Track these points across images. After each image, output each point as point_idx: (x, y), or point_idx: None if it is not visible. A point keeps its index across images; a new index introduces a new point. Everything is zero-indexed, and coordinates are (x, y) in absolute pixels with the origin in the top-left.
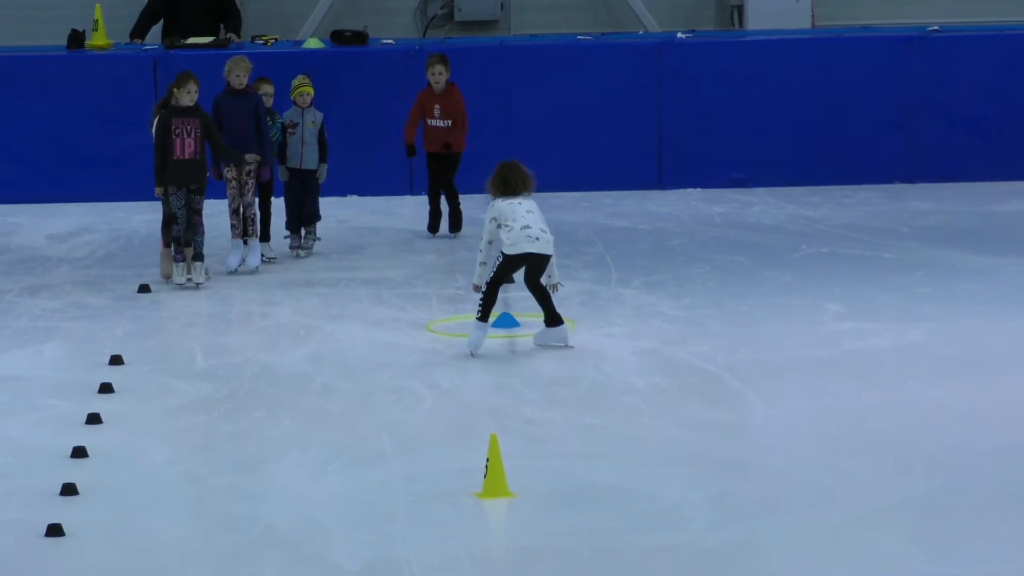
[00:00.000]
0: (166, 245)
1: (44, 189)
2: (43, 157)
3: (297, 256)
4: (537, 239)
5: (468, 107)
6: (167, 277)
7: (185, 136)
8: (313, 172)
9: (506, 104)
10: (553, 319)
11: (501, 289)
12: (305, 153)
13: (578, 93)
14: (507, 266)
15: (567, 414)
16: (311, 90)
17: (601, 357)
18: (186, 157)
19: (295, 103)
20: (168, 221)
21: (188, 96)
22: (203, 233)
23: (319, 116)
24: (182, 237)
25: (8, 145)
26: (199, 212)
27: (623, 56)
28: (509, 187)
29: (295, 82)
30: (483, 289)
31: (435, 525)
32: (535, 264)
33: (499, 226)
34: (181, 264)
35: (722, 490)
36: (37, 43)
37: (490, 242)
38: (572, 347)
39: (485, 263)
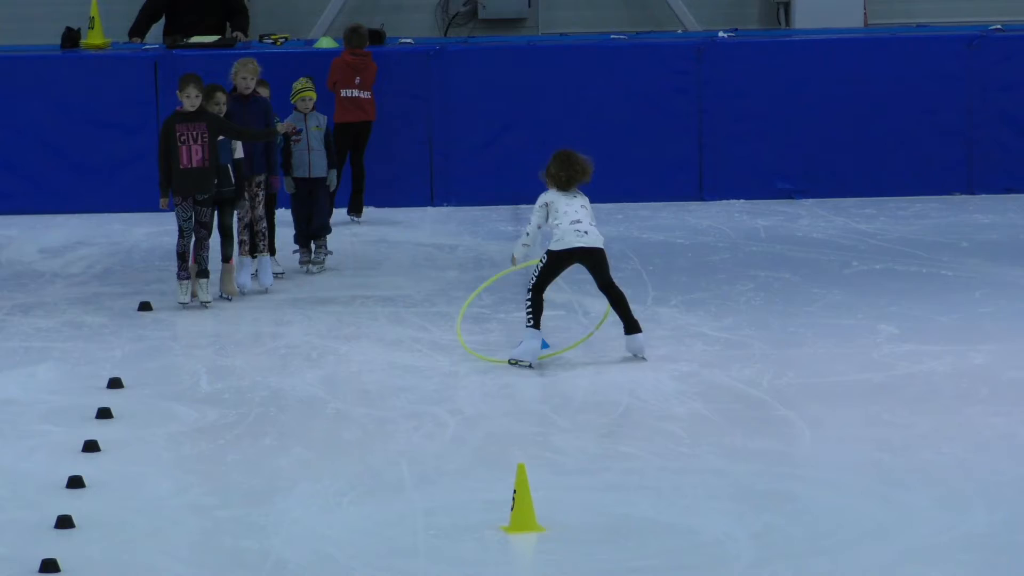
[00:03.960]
0: (195, 260)
1: (36, 199)
2: (35, 165)
3: (308, 272)
4: (586, 232)
5: (493, 110)
6: (229, 294)
7: (191, 143)
8: (322, 180)
9: (533, 109)
10: (631, 326)
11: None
12: (313, 160)
13: (611, 97)
14: (552, 264)
15: (600, 443)
16: (314, 94)
17: (637, 381)
18: (194, 165)
19: (296, 108)
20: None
21: (188, 101)
22: (208, 248)
23: (323, 120)
24: (189, 252)
25: None
26: (207, 225)
27: (660, 57)
28: (563, 180)
29: (297, 85)
30: (532, 280)
31: (458, 561)
32: (590, 262)
33: (551, 217)
34: (185, 282)
35: (767, 525)
36: (28, 42)
37: (539, 227)
38: (646, 359)
39: (528, 245)
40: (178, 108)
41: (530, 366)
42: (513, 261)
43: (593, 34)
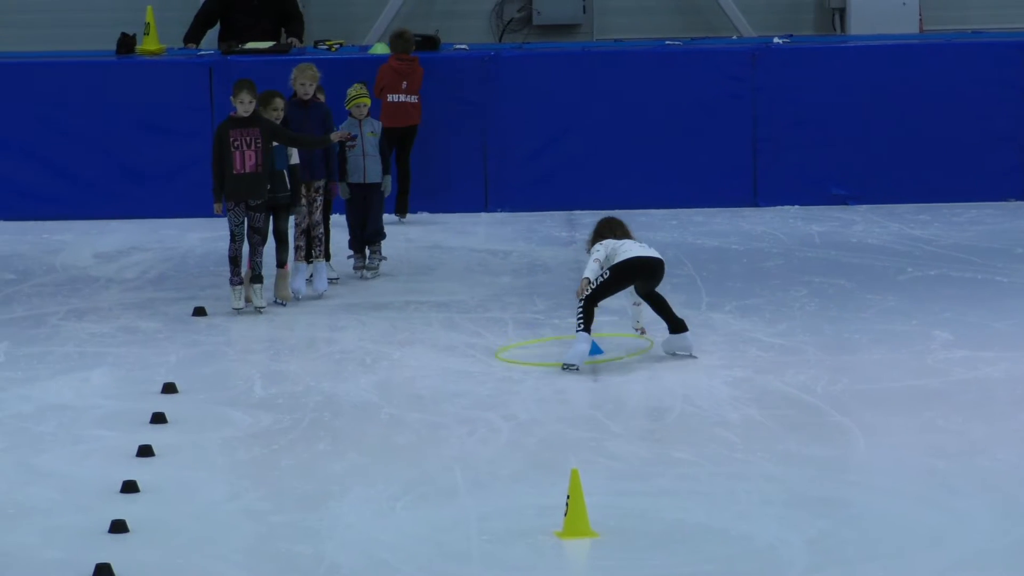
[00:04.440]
0: (251, 267)
1: (91, 204)
2: (90, 170)
3: (362, 277)
4: (649, 250)
5: (547, 116)
6: (283, 299)
7: (245, 148)
8: (377, 186)
9: (588, 115)
10: (676, 326)
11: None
12: (368, 166)
13: (666, 103)
14: (615, 278)
15: (654, 448)
16: (368, 100)
17: (691, 387)
18: (247, 171)
19: (351, 114)
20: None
21: (242, 106)
22: (262, 253)
23: (377, 126)
24: (241, 258)
25: (53, 158)
26: (261, 231)
27: (715, 63)
28: (613, 235)
29: (351, 92)
30: (586, 291)
31: (512, 567)
32: (649, 275)
33: (611, 259)
34: (239, 288)
35: (821, 531)
36: (84, 48)
37: (595, 263)
38: (696, 357)
39: (600, 262)
40: (232, 113)
41: (577, 369)
42: (582, 289)
43: (648, 40)
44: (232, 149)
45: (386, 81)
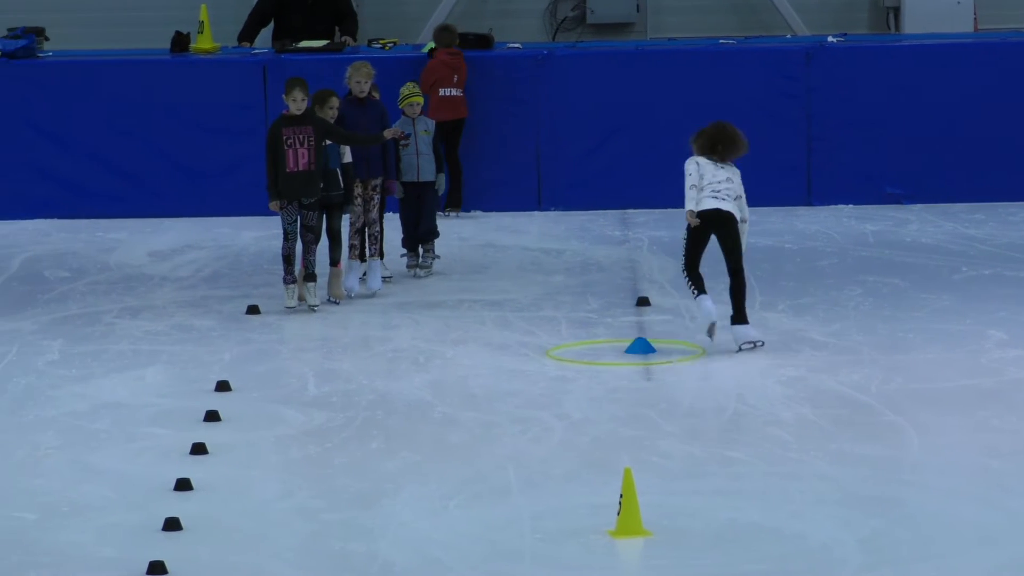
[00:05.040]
0: (304, 266)
1: (145, 203)
2: (144, 168)
3: (415, 276)
4: (724, 199)
5: (601, 115)
6: (336, 297)
7: (297, 146)
8: (431, 184)
9: (641, 113)
10: (739, 317)
11: (635, 312)
12: (421, 165)
13: (719, 101)
14: (693, 235)
15: (707, 447)
16: (420, 99)
17: (744, 386)
18: (299, 169)
19: (404, 113)
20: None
21: (294, 104)
22: (316, 252)
23: (431, 124)
24: (296, 256)
25: (107, 156)
26: (315, 229)
27: (769, 61)
28: (713, 150)
29: (404, 90)
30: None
31: (564, 565)
32: (722, 231)
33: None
34: (292, 286)
35: (875, 530)
36: (138, 46)
37: (693, 187)
38: (763, 343)
39: (695, 186)
40: (284, 112)
41: (714, 325)
42: (689, 215)
43: (701, 39)
44: (285, 147)
45: (438, 75)
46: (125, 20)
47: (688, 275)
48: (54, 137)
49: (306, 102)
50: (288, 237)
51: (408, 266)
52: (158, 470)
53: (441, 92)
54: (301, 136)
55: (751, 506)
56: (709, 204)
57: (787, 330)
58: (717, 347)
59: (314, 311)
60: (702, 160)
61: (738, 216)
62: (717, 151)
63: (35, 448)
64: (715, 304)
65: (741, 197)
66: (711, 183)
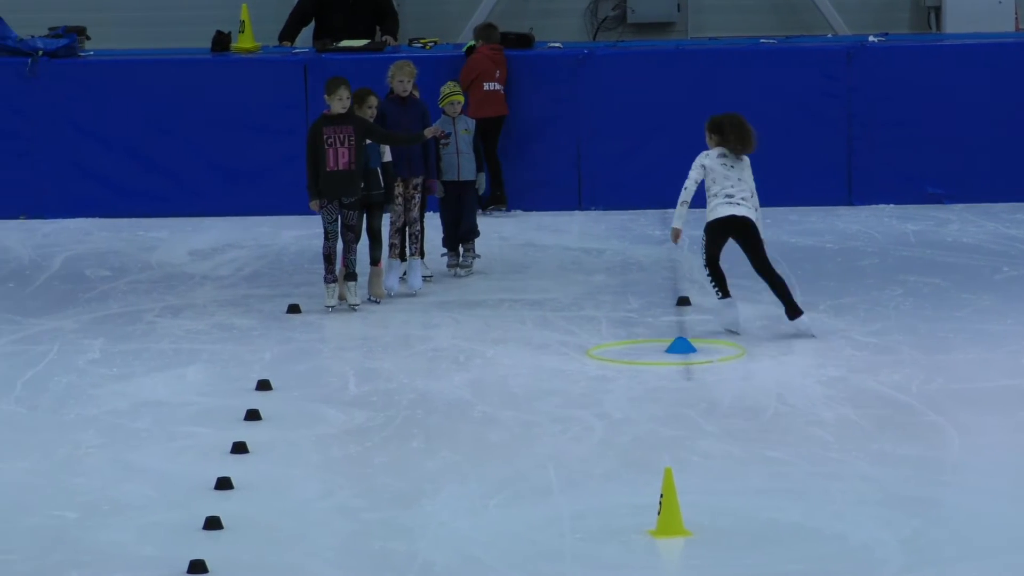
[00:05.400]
0: (344, 264)
1: (186, 202)
2: (186, 168)
3: (456, 275)
4: (738, 204)
5: (642, 114)
6: (377, 296)
7: (338, 146)
8: (471, 183)
9: (682, 111)
10: (792, 310)
11: (676, 311)
12: (462, 164)
13: (760, 101)
14: (711, 236)
15: (748, 447)
16: (461, 97)
17: (785, 386)
18: (340, 168)
19: (444, 112)
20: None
21: (340, 103)
22: (356, 251)
23: (471, 123)
24: (337, 255)
25: (148, 155)
26: (355, 228)
27: (809, 61)
28: (724, 139)
29: (444, 89)
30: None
31: (605, 565)
32: (741, 235)
33: (709, 187)
34: (332, 285)
35: (916, 531)
36: (179, 46)
37: (686, 188)
38: (815, 336)
39: (686, 202)
40: (325, 111)
41: (737, 334)
42: (674, 234)
43: (742, 38)
44: (326, 146)
45: (481, 68)
46: (166, 19)
47: (710, 272)
48: (95, 136)
49: (350, 100)
50: (329, 236)
51: (448, 265)
52: (199, 469)
53: (485, 86)
54: (342, 135)
55: (792, 506)
56: (724, 212)
57: (828, 330)
58: (759, 346)
59: (355, 310)
60: (713, 160)
61: (754, 217)
62: (732, 144)
63: (76, 447)
64: (740, 308)
65: (754, 194)
66: (723, 187)
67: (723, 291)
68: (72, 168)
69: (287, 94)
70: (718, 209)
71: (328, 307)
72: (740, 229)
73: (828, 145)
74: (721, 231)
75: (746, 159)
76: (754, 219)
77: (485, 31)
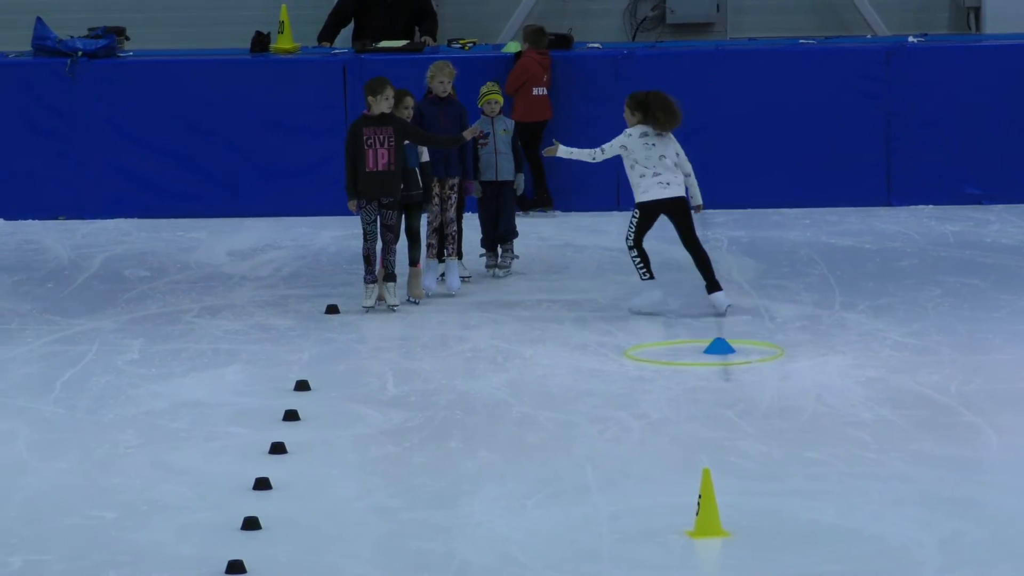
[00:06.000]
0: (383, 265)
1: (225, 202)
2: (224, 168)
3: (494, 276)
4: (668, 184)
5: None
6: (416, 297)
7: (378, 146)
8: (509, 184)
9: (721, 112)
10: (711, 285)
11: (714, 313)
12: (500, 164)
13: (799, 101)
14: (644, 216)
15: (786, 448)
16: (500, 97)
17: (823, 387)
18: (379, 169)
19: (483, 112)
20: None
21: (387, 102)
22: (395, 251)
23: (510, 124)
24: (376, 255)
25: (187, 155)
26: (394, 228)
27: (849, 61)
28: (648, 117)
29: (483, 89)
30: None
31: (642, 565)
32: (675, 214)
33: (631, 166)
34: (371, 286)
35: (954, 532)
36: (218, 46)
37: (603, 150)
38: (724, 315)
39: (589, 156)
40: (364, 112)
41: (658, 314)
42: (549, 151)
43: (781, 39)
44: (365, 147)
45: (531, 73)
46: (205, 20)
47: (637, 254)
48: (134, 137)
49: (390, 101)
50: (368, 237)
51: (487, 266)
52: (237, 469)
53: (534, 91)
54: (381, 136)
55: (830, 507)
56: (656, 194)
57: (867, 330)
58: (797, 348)
59: (393, 311)
60: (635, 140)
61: (684, 193)
62: (659, 121)
63: (115, 447)
64: (661, 291)
65: (678, 166)
66: (648, 167)
67: (649, 272)
68: (111, 168)
69: (326, 95)
70: (652, 190)
71: (366, 308)
72: (674, 210)
73: (867, 146)
74: (654, 212)
75: (669, 135)
76: (683, 195)
77: (534, 35)
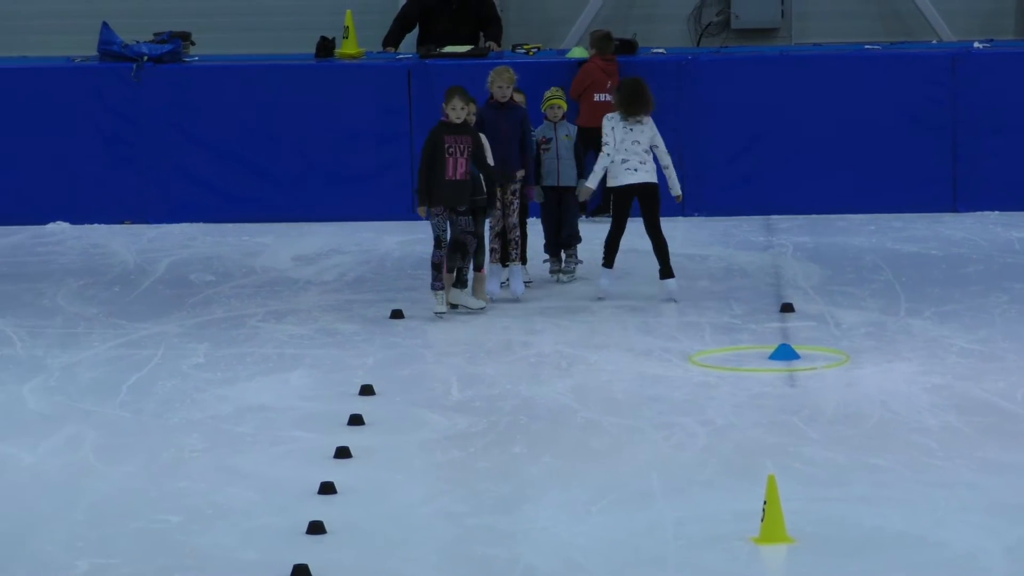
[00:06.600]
0: (448, 269)
1: (290, 207)
2: (289, 173)
3: (558, 281)
4: (635, 170)
5: (745, 120)
6: (452, 304)
7: (458, 155)
8: (571, 190)
9: (785, 119)
10: (665, 272)
11: (779, 318)
12: (562, 170)
13: (864, 107)
14: (617, 203)
15: (851, 454)
16: (563, 103)
17: (889, 393)
18: (457, 178)
19: (546, 117)
20: (449, 246)
21: (454, 112)
22: (468, 258)
23: (573, 130)
24: (446, 263)
25: (252, 160)
26: (476, 233)
27: (914, 67)
28: (629, 108)
29: (547, 94)
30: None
31: (707, 572)
32: (644, 199)
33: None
34: (441, 292)
35: (1020, 539)
36: (284, 51)
37: (606, 152)
38: (677, 302)
39: (596, 174)
40: (443, 119)
41: (599, 299)
42: (583, 193)
43: (846, 44)
44: (446, 155)
45: (594, 79)
46: (271, 25)
47: (611, 243)
48: (200, 141)
49: (466, 110)
50: (440, 244)
51: (551, 271)
52: (302, 473)
53: (596, 97)
54: (461, 145)
55: (896, 514)
56: (626, 179)
57: (932, 337)
58: (862, 355)
59: (483, 311)
60: (616, 122)
61: (654, 179)
62: (627, 107)
63: (180, 451)
64: (608, 281)
65: (652, 151)
66: (621, 156)
67: (610, 261)
68: (177, 173)
69: (390, 99)
70: (620, 176)
71: (437, 314)
72: (643, 195)
73: (933, 152)
74: (626, 197)
75: (647, 120)
76: (655, 181)
77: (600, 41)
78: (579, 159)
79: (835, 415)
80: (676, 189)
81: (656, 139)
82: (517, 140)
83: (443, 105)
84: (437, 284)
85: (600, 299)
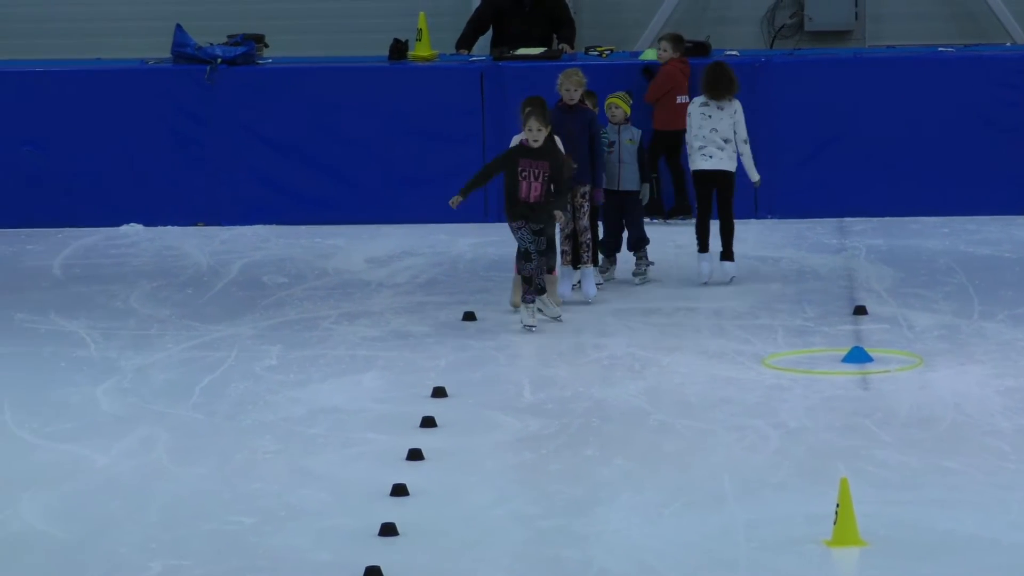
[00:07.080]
0: (518, 271)
1: (363, 209)
2: (362, 175)
3: (607, 280)
4: (711, 156)
5: (818, 122)
6: (515, 306)
7: (532, 180)
8: (633, 194)
9: (860, 120)
10: (726, 254)
11: (852, 321)
12: (623, 174)
13: (938, 109)
14: (696, 188)
15: (924, 457)
16: (624, 105)
17: (962, 396)
18: (531, 200)
19: (609, 120)
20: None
21: (531, 135)
22: (543, 270)
23: (636, 133)
24: (534, 278)
25: (325, 162)
26: (549, 241)
27: (988, 69)
28: (713, 90)
29: (608, 99)
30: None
31: (779, 574)
32: (719, 183)
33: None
34: (531, 305)
35: None
36: (357, 53)
37: (744, 140)
38: (728, 284)
39: (752, 166)
40: (524, 141)
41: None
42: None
43: (920, 46)
44: (519, 177)
45: (675, 82)
46: (343, 27)
47: (700, 232)
48: (273, 143)
49: (543, 132)
50: (529, 258)
51: (601, 271)
52: (374, 475)
53: (678, 100)
54: (537, 171)
55: (969, 517)
56: (701, 165)
57: (1006, 340)
58: (936, 358)
59: (559, 321)
60: (695, 108)
61: (730, 166)
62: (706, 91)
63: (253, 452)
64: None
65: (731, 141)
66: (699, 143)
67: (703, 247)
68: (249, 175)
69: (464, 102)
70: (696, 162)
71: (527, 327)
72: (717, 180)
73: (1006, 154)
74: (701, 181)
75: (732, 105)
76: (730, 168)
77: (679, 44)
78: (643, 164)
79: (908, 418)
80: (754, 174)
81: (738, 125)
82: (585, 142)
83: (521, 121)
84: (528, 297)
85: (705, 284)
